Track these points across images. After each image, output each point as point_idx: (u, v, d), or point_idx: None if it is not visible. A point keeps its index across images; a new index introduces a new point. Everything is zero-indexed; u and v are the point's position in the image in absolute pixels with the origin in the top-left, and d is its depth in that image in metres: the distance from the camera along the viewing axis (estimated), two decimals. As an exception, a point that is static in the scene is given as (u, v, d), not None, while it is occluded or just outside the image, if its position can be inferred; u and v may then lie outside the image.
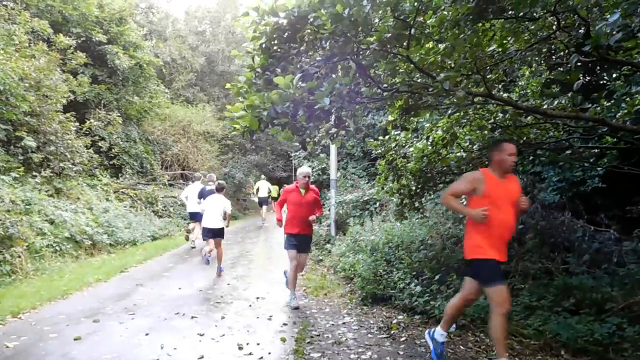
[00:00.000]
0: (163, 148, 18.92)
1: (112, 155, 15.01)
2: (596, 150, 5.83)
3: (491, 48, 4.40)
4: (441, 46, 4.05)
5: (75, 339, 4.92)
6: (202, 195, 10.26)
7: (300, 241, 6.61)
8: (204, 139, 22.00)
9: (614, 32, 2.99)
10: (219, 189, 8.86)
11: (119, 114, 14.80)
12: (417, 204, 6.87)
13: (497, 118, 5.28)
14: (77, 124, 12.48)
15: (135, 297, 6.77)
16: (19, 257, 7.79)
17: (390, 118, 5.70)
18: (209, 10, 31.38)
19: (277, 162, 29.22)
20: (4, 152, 9.79)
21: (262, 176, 20.99)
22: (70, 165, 11.52)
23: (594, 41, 3.20)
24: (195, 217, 11.23)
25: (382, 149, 6.56)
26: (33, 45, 11.50)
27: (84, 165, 12.37)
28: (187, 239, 12.25)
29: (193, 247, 11.72)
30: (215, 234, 8.57)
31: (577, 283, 5.18)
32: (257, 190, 18.99)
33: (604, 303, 4.72)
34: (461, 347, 4.71)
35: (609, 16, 3.09)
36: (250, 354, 4.60)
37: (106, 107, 15.01)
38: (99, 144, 14.01)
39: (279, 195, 25.11)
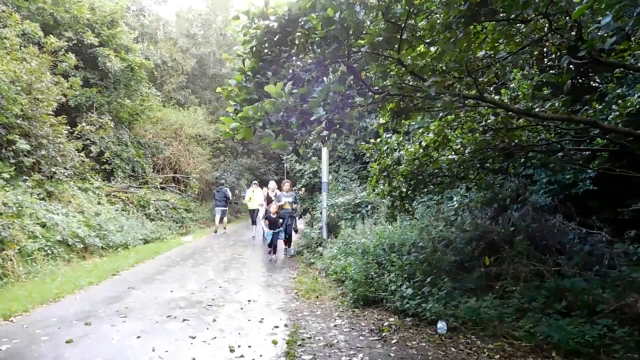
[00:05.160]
0: (155, 151, 18.82)
1: (104, 159, 14.93)
2: (587, 153, 5.86)
3: (482, 52, 4.41)
4: (433, 49, 4.06)
5: (67, 342, 4.89)
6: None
7: None
8: (196, 142, 21.93)
9: (608, 36, 3.00)
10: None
11: (110, 118, 14.73)
12: (407, 206, 6.89)
13: (489, 120, 5.30)
14: (69, 127, 12.42)
15: (128, 300, 6.73)
16: (11, 260, 7.71)
17: (381, 121, 5.71)
18: (199, 12, 31.33)
19: (269, 165, 29.19)
20: (-5, 156, 9.72)
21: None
22: (62, 170, 11.43)
23: (588, 45, 3.20)
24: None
25: (374, 153, 6.56)
26: (24, 48, 11.42)
27: (75, 169, 12.30)
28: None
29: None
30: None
31: (568, 285, 5.21)
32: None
33: (596, 305, 4.75)
34: (452, 349, 4.72)
35: (601, 19, 3.10)
36: (241, 356, 4.59)
37: (98, 111, 14.93)
38: (91, 148, 13.94)
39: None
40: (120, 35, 15.89)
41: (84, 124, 13.72)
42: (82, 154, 12.93)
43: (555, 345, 4.43)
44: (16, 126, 10.27)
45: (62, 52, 13.05)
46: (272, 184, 14.18)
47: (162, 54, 23.87)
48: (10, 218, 8.20)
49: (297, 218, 13.67)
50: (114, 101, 15.82)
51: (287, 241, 11.85)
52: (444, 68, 4.10)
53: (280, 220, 11.07)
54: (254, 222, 16.01)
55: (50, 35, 12.91)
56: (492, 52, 4.53)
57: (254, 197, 15.66)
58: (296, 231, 13.32)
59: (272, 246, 10.92)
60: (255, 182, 17.04)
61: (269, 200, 13.42)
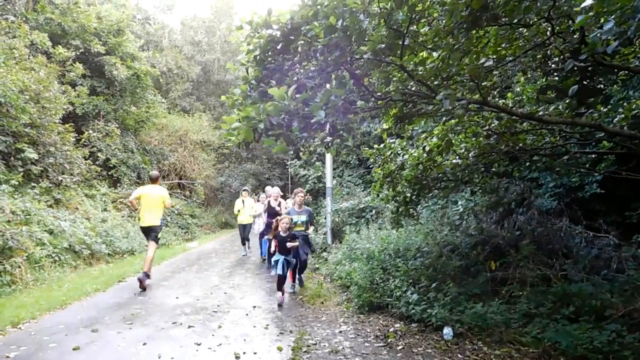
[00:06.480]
0: (160, 158, 18.97)
1: (110, 166, 15.05)
2: (593, 156, 5.82)
3: (489, 62, 4.39)
4: (435, 54, 4.06)
5: (74, 349, 4.91)
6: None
7: None
8: (201, 148, 22.07)
9: (610, 40, 2.98)
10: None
11: (116, 125, 14.91)
12: (412, 211, 6.86)
13: (492, 125, 5.28)
14: (76, 135, 12.56)
15: (134, 307, 6.74)
16: (19, 267, 7.78)
17: (385, 126, 5.70)
18: (204, 20, 31.62)
19: (273, 171, 29.21)
20: (3, 165, 9.80)
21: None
22: (69, 177, 11.54)
23: (590, 49, 3.19)
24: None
25: (378, 158, 6.55)
26: (32, 57, 11.58)
27: (82, 176, 12.41)
28: None
29: None
30: None
31: (576, 290, 5.14)
32: None
33: (604, 310, 4.69)
34: (459, 355, 4.68)
35: (603, 22, 3.08)
36: (247, 364, 4.59)
37: (104, 118, 15.08)
38: (97, 155, 14.07)
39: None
40: (126, 44, 16.09)
41: (90, 131, 13.93)
42: (89, 161, 13.09)
43: (563, 352, 4.37)
44: (24, 134, 10.42)
45: (69, 62, 13.22)
46: (273, 190, 10.52)
47: (168, 61, 24.11)
48: (18, 225, 8.27)
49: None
50: (120, 109, 16.01)
51: (298, 271, 8.20)
52: (447, 74, 4.09)
53: (293, 243, 7.21)
54: (244, 241, 12.74)
55: (59, 45, 13.09)
56: (495, 57, 4.51)
57: (244, 208, 12.24)
58: (313, 251, 9.82)
59: (279, 281, 7.05)
60: (245, 188, 13.33)
61: (270, 212, 9.91)
